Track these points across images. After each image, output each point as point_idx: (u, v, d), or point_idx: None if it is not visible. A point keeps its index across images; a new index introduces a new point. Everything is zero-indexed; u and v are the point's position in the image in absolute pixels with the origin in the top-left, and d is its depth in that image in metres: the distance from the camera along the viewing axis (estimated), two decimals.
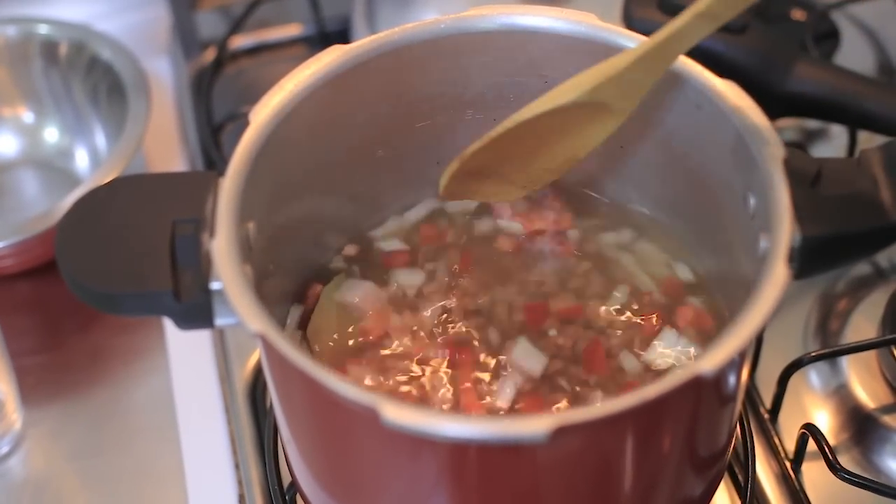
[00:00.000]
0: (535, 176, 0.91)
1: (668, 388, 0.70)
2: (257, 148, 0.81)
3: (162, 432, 1.06)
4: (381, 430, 0.69)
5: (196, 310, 0.77)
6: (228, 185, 0.79)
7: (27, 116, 1.29)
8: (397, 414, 0.68)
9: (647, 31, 0.86)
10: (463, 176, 0.89)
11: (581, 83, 0.83)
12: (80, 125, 1.27)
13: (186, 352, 1.11)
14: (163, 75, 1.36)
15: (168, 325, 1.12)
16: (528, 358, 0.87)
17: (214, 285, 0.76)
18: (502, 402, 0.84)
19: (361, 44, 0.88)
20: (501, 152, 0.88)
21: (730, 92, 0.83)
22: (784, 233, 0.75)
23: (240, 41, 1.37)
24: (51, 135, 1.28)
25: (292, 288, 0.92)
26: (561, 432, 0.67)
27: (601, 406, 0.69)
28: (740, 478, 0.98)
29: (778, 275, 0.73)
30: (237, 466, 1.02)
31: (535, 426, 0.67)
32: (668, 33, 0.80)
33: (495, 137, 0.86)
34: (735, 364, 0.78)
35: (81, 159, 1.27)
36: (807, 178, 0.79)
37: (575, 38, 0.88)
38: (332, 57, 0.87)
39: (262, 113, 0.83)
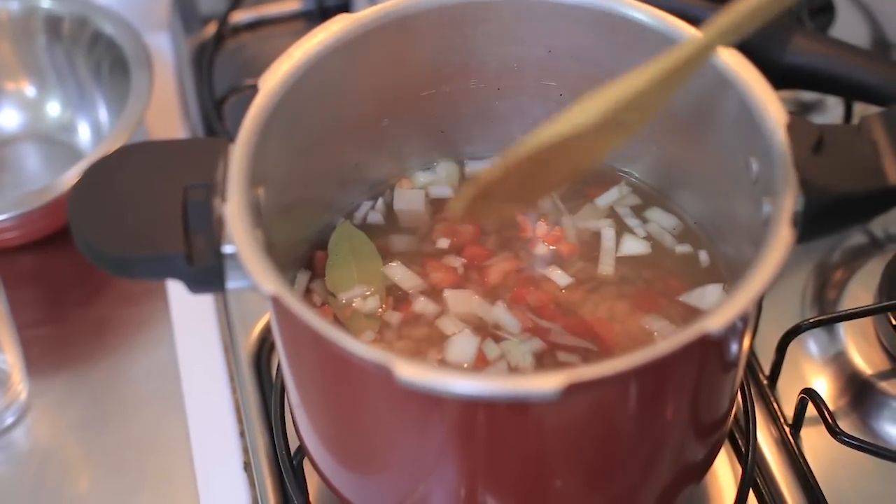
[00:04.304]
0: (540, 190, 0.90)
1: (677, 345, 0.71)
2: (267, 114, 0.82)
3: (167, 402, 1.07)
4: (394, 389, 0.70)
5: (208, 273, 0.78)
6: (239, 150, 0.80)
7: (29, 90, 1.29)
8: (411, 372, 0.69)
9: (651, 2, 0.87)
10: (474, 202, 0.87)
11: (598, 103, 0.80)
12: (83, 99, 1.27)
13: (190, 321, 1.12)
14: (163, 50, 1.36)
15: (172, 295, 1.13)
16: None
17: (227, 249, 0.77)
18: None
19: (368, 13, 0.88)
20: (511, 173, 0.85)
21: (732, 59, 0.84)
22: (788, 196, 0.76)
23: (240, 16, 1.38)
24: (53, 109, 1.29)
25: (299, 253, 0.93)
26: (572, 389, 0.68)
27: (611, 363, 0.70)
28: (741, 443, 0.99)
29: (783, 236, 0.74)
30: (242, 434, 1.03)
31: (546, 383, 0.68)
32: (691, 50, 0.78)
33: (512, 163, 0.83)
34: (739, 329, 0.79)
35: (84, 133, 1.27)
36: (809, 144, 0.80)
37: (580, 8, 0.89)
38: (339, 26, 0.87)
39: (272, 80, 0.84)
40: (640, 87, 0.79)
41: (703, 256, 0.93)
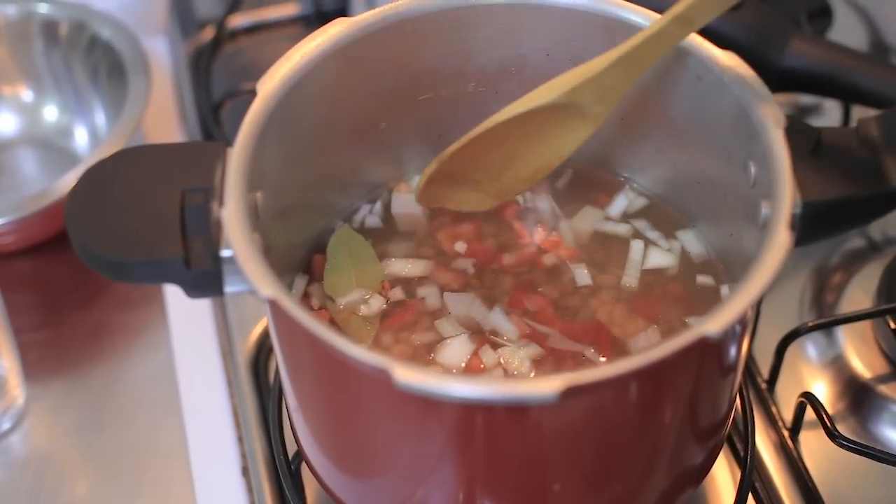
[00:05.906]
0: (508, 185, 0.92)
1: (675, 348, 0.71)
2: (265, 118, 0.82)
3: (164, 407, 1.07)
4: (392, 393, 0.70)
5: (206, 277, 0.78)
6: (237, 154, 0.80)
7: (26, 95, 1.29)
8: (409, 375, 0.69)
9: (649, 5, 0.87)
10: (439, 180, 0.90)
11: (558, 85, 0.85)
12: (80, 104, 1.27)
13: (188, 326, 1.12)
14: (161, 54, 1.36)
15: (169, 299, 1.13)
16: None
17: (225, 252, 0.77)
18: None
19: (366, 16, 0.89)
20: (477, 156, 0.88)
21: (730, 62, 0.84)
22: (786, 198, 0.76)
23: (238, 20, 1.38)
24: (50, 113, 1.29)
25: (297, 257, 0.93)
26: (571, 392, 0.68)
27: (610, 366, 0.70)
28: (739, 447, 0.99)
29: (781, 239, 0.74)
30: (240, 439, 1.03)
31: (545, 386, 0.68)
32: (645, 37, 0.82)
33: (473, 138, 0.87)
34: (737, 332, 0.79)
35: (81, 138, 1.27)
36: (807, 146, 0.81)
37: (578, 11, 0.89)
38: (337, 29, 0.87)
39: (270, 84, 0.84)
40: (598, 69, 0.83)
41: (725, 291, 0.91)
